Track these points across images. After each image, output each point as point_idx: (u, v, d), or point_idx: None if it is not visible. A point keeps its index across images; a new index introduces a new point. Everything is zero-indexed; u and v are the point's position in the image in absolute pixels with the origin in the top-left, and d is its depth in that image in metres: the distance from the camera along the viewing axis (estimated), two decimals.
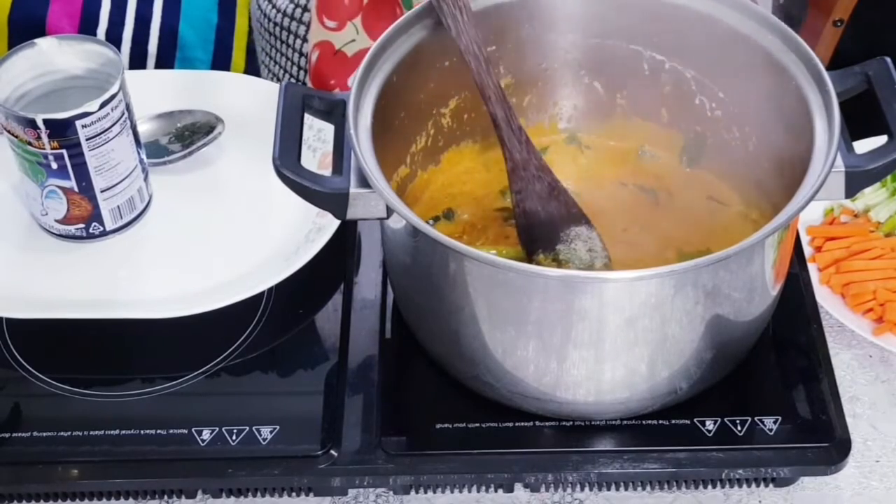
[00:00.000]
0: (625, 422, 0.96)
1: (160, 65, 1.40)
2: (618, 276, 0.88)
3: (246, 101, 1.17)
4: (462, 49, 0.96)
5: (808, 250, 1.10)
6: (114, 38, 1.36)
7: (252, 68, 1.45)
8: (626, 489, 0.96)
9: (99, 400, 0.99)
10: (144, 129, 1.13)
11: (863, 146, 0.92)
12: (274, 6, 1.40)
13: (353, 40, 1.32)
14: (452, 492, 0.96)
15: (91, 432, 0.96)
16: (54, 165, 1.03)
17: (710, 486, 0.96)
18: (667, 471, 0.94)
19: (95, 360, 1.02)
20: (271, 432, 0.95)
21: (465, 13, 0.96)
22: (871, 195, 1.13)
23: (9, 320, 1.04)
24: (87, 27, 1.35)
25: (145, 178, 1.10)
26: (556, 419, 0.96)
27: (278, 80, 1.41)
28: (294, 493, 0.96)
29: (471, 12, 0.96)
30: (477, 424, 0.96)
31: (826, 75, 0.92)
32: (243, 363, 1.01)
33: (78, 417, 0.97)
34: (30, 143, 1.02)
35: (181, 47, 1.39)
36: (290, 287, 1.02)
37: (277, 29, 1.39)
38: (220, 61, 1.43)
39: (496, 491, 0.96)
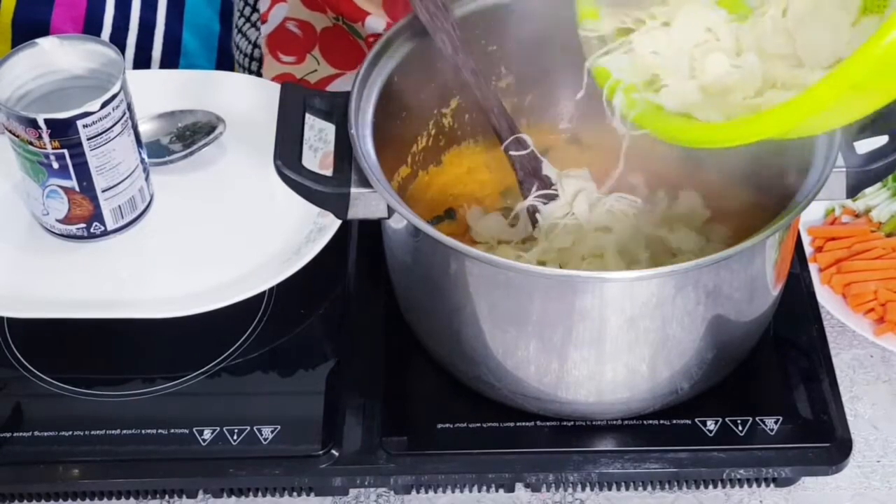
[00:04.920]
0: (626, 422, 0.96)
1: None
2: (619, 276, 0.88)
3: (247, 101, 1.17)
4: (459, 65, 0.97)
5: (809, 250, 1.10)
6: (118, 43, 1.36)
7: None
8: (627, 489, 0.96)
9: (100, 400, 0.99)
10: (145, 128, 1.13)
11: (863, 146, 0.92)
12: (249, 41, 1.41)
13: (315, 70, 1.33)
14: (453, 492, 0.96)
15: (92, 432, 0.96)
16: (55, 165, 1.03)
17: (711, 487, 0.96)
18: (668, 471, 0.94)
19: (96, 359, 1.02)
20: (272, 432, 0.96)
21: (457, 29, 0.97)
22: (873, 195, 1.13)
23: (10, 320, 1.04)
24: (90, 31, 1.35)
25: (146, 178, 1.10)
26: (557, 419, 0.96)
27: None
28: (295, 493, 0.96)
29: (458, 29, 0.97)
30: (478, 424, 0.96)
31: None
32: (244, 363, 1.01)
33: (79, 417, 0.97)
34: (31, 143, 1.02)
35: (184, 55, 1.39)
36: (291, 287, 1.02)
37: (255, 64, 1.40)
38: (223, 70, 1.43)
39: (497, 491, 0.96)
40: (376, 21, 1.26)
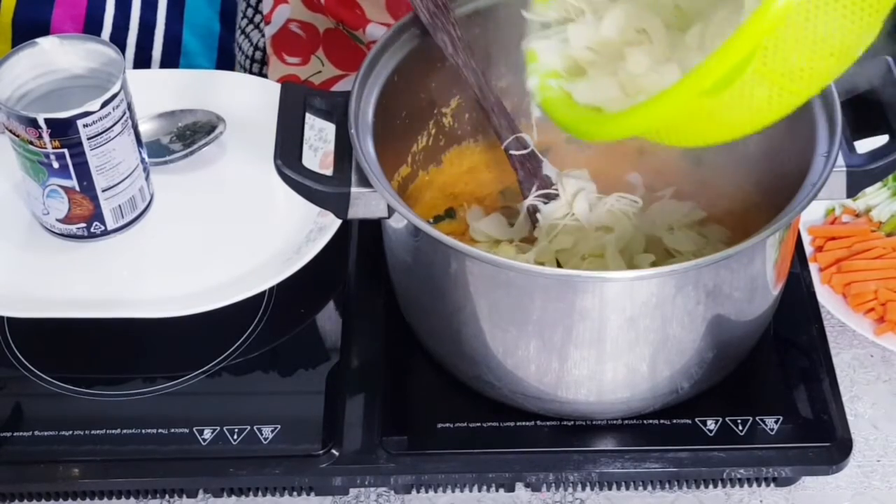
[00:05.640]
0: (626, 421, 0.96)
1: None
2: (619, 275, 0.88)
3: (247, 101, 1.17)
4: (459, 65, 0.97)
5: (809, 250, 1.10)
6: (118, 43, 1.36)
7: None
8: (627, 489, 0.96)
9: (100, 399, 0.99)
10: (146, 128, 1.13)
11: (864, 146, 0.92)
12: (251, 42, 1.41)
13: (320, 71, 1.33)
14: (454, 491, 0.96)
15: (92, 431, 0.96)
16: (56, 165, 1.03)
17: (711, 486, 0.96)
18: (668, 470, 0.94)
19: (97, 359, 1.02)
20: (272, 432, 0.96)
21: (458, 28, 0.97)
22: (873, 195, 1.13)
23: (10, 319, 1.04)
24: (90, 31, 1.36)
25: (147, 178, 1.10)
26: (558, 419, 0.96)
27: None
28: (295, 493, 0.96)
29: (459, 29, 0.97)
30: (478, 424, 0.96)
31: None
32: (244, 362, 1.01)
33: (79, 417, 0.97)
34: (31, 143, 1.02)
35: (185, 54, 1.39)
36: (291, 286, 1.02)
37: (256, 66, 1.40)
38: (224, 70, 1.43)
39: (497, 490, 0.96)
40: (377, 29, 1.26)
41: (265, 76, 1.38)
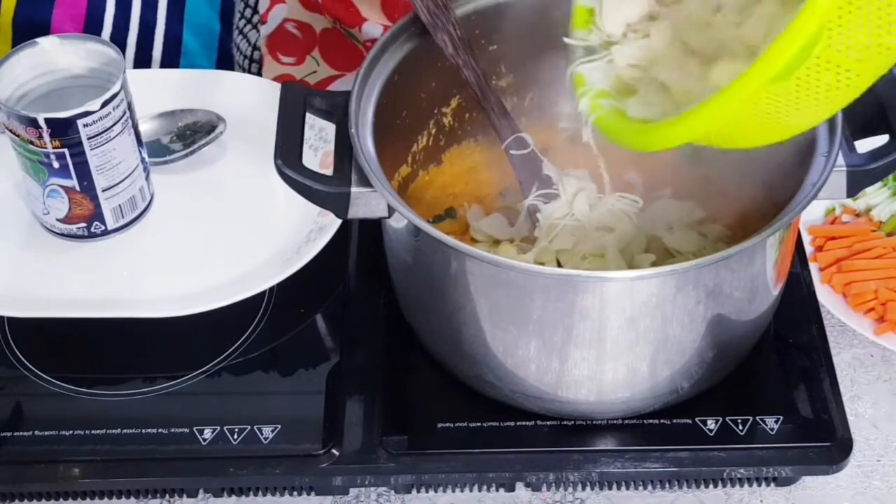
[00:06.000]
0: (626, 421, 0.96)
1: None
2: (619, 275, 0.88)
3: (247, 101, 1.17)
4: (460, 64, 0.98)
5: (809, 250, 1.10)
6: (118, 43, 1.36)
7: None
8: (627, 488, 0.96)
9: (100, 399, 0.99)
10: (146, 128, 1.13)
11: (864, 145, 0.92)
12: (249, 42, 1.41)
13: (315, 71, 1.33)
14: (454, 491, 0.96)
15: (92, 431, 0.96)
16: (56, 164, 1.03)
17: (711, 486, 0.96)
18: (668, 470, 0.94)
19: (97, 359, 1.02)
20: (273, 431, 0.96)
21: (458, 28, 0.97)
22: (873, 194, 1.13)
23: (10, 319, 1.04)
24: (91, 31, 1.36)
25: (147, 178, 1.10)
26: (558, 418, 0.96)
27: None
28: (295, 493, 0.96)
29: (459, 28, 0.97)
30: (478, 424, 0.96)
31: None
32: (245, 362, 1.01)
33: (79, 416, 0.97)
34: (31, 143, 1.02)
35: (185, 54, 1.39)
36: (291, 286, 1.02)
37: (255, 66, 1.40)
38: (224, 70, 1.43)
39: (497, 490, 0.96)
40: (373, 27, 1.27)
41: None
